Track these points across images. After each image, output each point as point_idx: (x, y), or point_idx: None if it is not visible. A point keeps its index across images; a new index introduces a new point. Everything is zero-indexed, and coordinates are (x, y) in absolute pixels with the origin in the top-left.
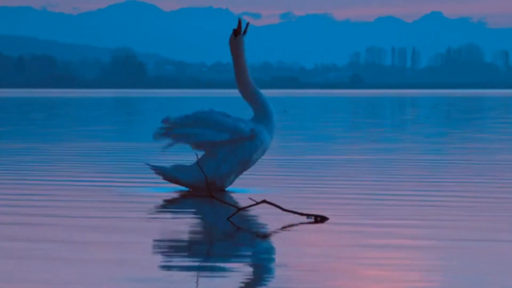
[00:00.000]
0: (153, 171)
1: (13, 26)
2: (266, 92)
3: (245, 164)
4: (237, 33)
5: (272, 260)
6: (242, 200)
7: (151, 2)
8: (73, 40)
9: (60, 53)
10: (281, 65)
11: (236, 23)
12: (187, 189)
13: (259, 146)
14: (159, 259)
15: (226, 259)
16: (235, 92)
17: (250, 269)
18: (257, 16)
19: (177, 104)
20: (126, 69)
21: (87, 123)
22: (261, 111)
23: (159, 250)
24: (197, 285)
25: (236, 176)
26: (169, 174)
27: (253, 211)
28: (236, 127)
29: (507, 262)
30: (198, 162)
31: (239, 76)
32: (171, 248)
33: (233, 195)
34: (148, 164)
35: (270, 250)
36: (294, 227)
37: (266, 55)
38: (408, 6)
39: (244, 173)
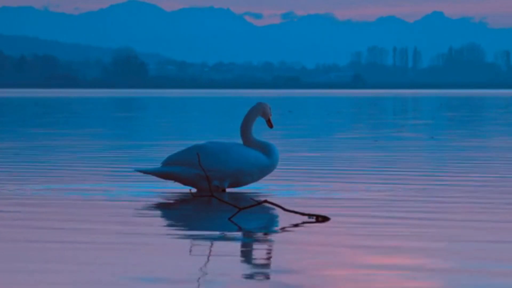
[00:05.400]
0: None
1: (14, 26)
2: (267, 92)
3: (236, 176)
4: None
5: (273, 259)
6: (243, 200)
7: (152, 2)
8: (75, 40)
9: (61, 53)
10: (282, 65)
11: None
12: (183, 186)
13: (254, 171)
14: (159, 259)
15: (227, 259)
16: (235, 92)
17: (250, 269)
18: (258, 16)
19: (178, 104)
20: (127, 69)
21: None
22: (266, 149)
23: (160, 250)
24: (198, 284)
25: (226, 184)
26: (159, 171)
27: (255, 211)
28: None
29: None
30: (199, 163)
31: (244, 132)
32: (172, 248)
33: (234, 195)
34: (137, 170)
35: (271, 250)
36: (295, 227)
37: (267, 55)
38: (410, 6)
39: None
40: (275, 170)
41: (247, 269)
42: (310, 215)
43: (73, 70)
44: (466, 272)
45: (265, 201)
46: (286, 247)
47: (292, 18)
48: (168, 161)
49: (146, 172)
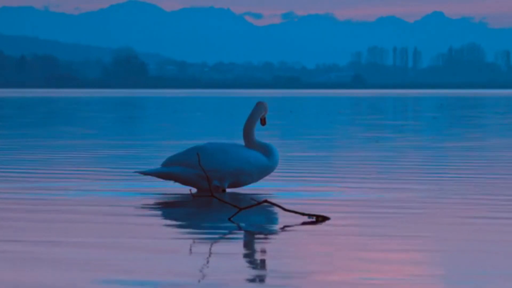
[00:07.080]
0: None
1: (15, 26)
2: (267, 92)
3: (236, 176)
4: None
5: (273, 259)
6: (243, 200)
7: (152, 2)
8: (75, 40)
9: (61, 53)
10: (282, 65)
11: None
12: (183, 185)
13: (253, 171)
14: (159, 259)
15: (227, 258)
16: (235, 92)
17: (250, 269)
18: (258, 16)
19: (178, 104)
20: (127, 69)
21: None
22: (267, 150)
23: (160, 250)
24: (198, 284)
25: (226, 184)
26: (159, 171)
27: (255, 211)
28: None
29: (505, 265)
30: (199, 162)
31: (247, 133)
32: (172, 248)
33: (234, 195)
34: (138, 172)
35: (271, 250)
36: (295, 227)
37: (267, 55)
38: (410, 6)
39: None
40: (275, 170)
41: (247, 269)
42: (310, 215)
43: (73, 70)
44: (467, 277)
45: (265, 201)
46: (286, 247)
47: (292, 18)
48: (168, 162)
49: (146, 173)
